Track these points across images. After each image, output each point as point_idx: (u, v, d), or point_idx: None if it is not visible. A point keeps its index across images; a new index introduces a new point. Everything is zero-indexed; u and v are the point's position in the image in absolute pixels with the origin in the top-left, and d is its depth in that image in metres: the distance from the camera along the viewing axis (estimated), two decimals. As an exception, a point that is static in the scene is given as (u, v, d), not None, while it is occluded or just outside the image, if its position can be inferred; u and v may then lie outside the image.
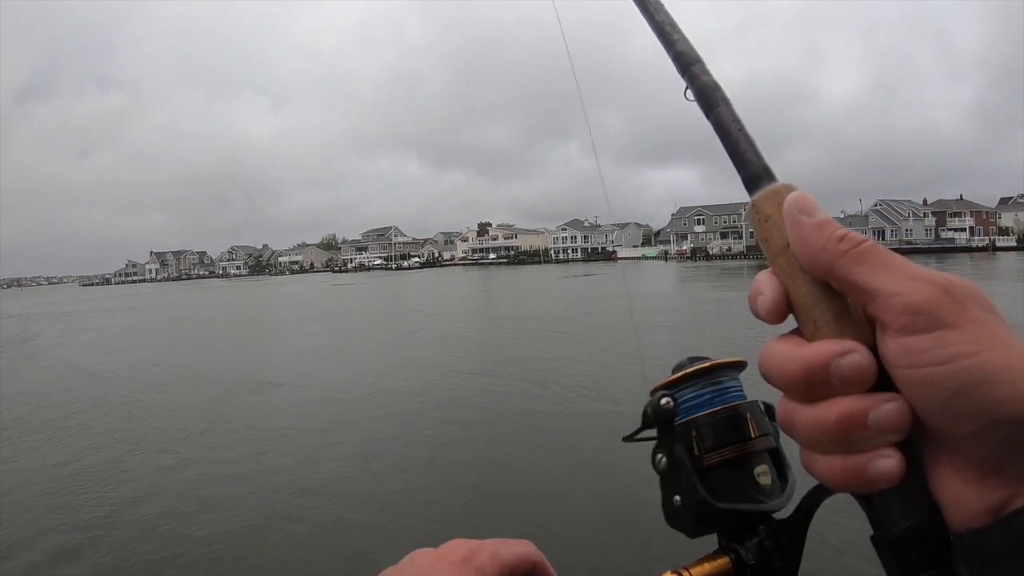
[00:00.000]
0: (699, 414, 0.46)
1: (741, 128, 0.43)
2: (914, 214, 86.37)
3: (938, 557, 0.34)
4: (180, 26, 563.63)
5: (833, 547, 4.22)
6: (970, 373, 0.31)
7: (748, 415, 0.46)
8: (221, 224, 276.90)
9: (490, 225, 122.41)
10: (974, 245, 78.76)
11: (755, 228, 0.40)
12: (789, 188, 0.39)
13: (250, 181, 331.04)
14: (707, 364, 0.47)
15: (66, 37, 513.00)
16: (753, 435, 0.46)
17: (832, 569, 4.17)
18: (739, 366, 0.49)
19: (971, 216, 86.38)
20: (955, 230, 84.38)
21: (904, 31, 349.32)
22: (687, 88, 0.46)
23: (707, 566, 0.44)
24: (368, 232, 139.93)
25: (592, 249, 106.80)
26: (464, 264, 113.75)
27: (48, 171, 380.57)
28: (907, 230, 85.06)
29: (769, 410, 0.47)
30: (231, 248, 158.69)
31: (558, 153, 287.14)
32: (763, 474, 0.46)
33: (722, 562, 0.44)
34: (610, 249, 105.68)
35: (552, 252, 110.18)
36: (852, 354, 0.34)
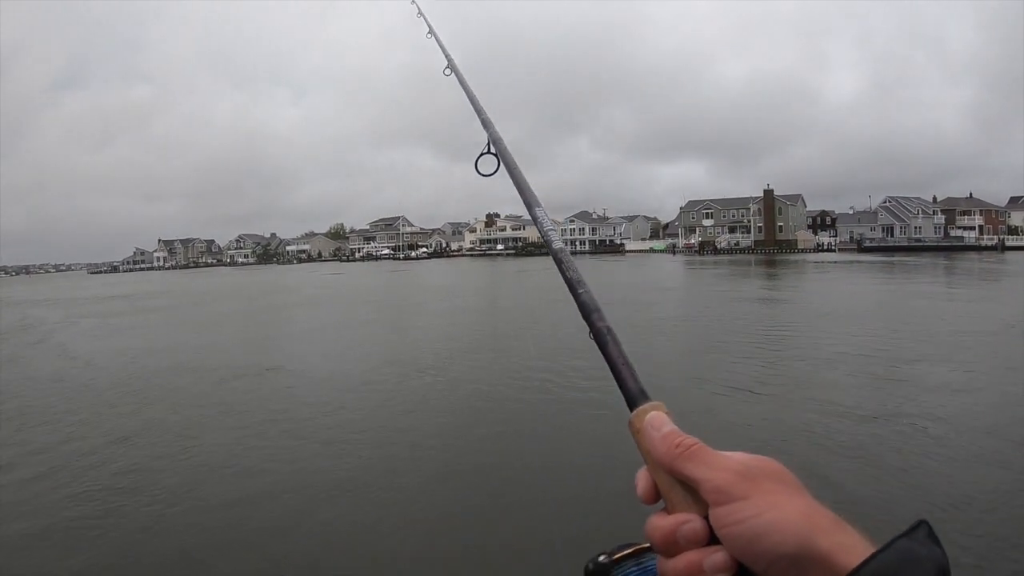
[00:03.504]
0: None
1: (625, 361, 0.61)
2: (923, 211, 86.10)
3: None
4: (210, 21, 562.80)
5: None
6: (755, 529, 0.47)
7: None
8: (231, 213, 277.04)
9: (498, 216, 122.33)
10: (983, 244, 78.52)
11: (633, 436, 0.57)
12: (656, 407, 0.57)
13: (264, 170, 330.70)
14: (633, 548, 0.59)
15: (101, 30, 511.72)
16: None
17: None
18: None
19: (980, 215, 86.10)
20: (964, 228, 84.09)
21: (900, 35, 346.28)
22: (589, 332, 0.64)
23: None
24: (376, 222, 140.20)
25: (600, 241, 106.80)
26: (472, 255, 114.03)
27: (67, 160, 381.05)
28: (916, 227, 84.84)
29: None
30: (239, 236, 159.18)
31: (567, 147, 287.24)
32: None
33: None
34: (618, 242, 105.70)
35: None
36: (690, 523, 0.51)
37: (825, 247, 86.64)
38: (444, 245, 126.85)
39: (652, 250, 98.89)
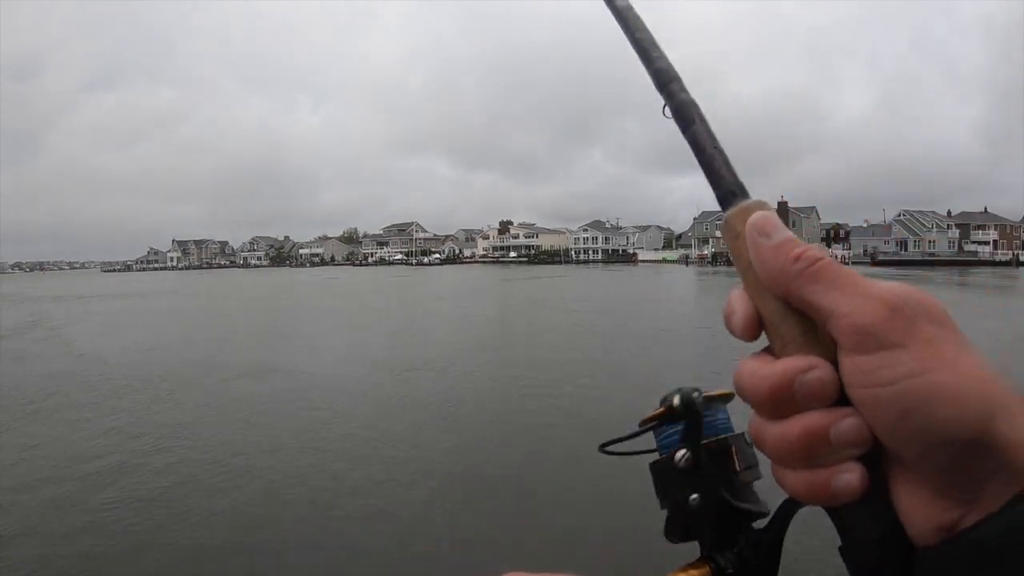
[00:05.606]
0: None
1: (716, 145, 0.43)
2: (938, 226, 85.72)
3: (901, 571, 0.34)
4: (236, 27, 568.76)
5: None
6: (914, 394, 0.31)
7: (734, 448, 0.45)
8: (246, 215, 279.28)
9: (511, 223, 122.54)
10: (997, 259, 77.93)
11: (727, 244, 0.40)
12: (761, 205, 0.39)
13: (281, 174, 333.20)
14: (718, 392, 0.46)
15: (136, 34, 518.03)
16: (739, 468, 0.44)
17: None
18: (727, 398, 0.47)
19: (995, 229, 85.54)
20: (979, 243, 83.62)
21: (909, 54, 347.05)
22: (665, 105, 0.45)
23: (691, 573, 0.43)
24: (389, 227, 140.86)
25: (612, 251, 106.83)
26: (484, 262, 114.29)
27: (88, 159, 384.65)
28: (930, 242, 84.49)
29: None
30: (253, 239, 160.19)
31: (581, 156, 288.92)
32: None
33: (703, 571, 0.43)
34: (631, 251, 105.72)
35: (573, 252, 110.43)
36: (814, 370, 0.34)
37: (838, 260, 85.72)
38: (457, 251, 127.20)
39: (665, 260, 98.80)
